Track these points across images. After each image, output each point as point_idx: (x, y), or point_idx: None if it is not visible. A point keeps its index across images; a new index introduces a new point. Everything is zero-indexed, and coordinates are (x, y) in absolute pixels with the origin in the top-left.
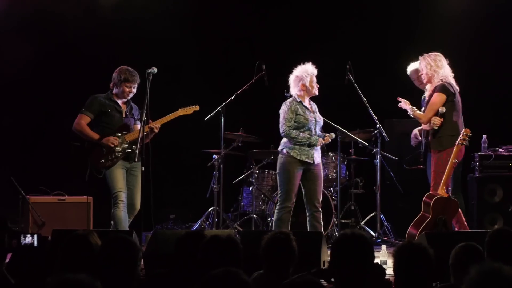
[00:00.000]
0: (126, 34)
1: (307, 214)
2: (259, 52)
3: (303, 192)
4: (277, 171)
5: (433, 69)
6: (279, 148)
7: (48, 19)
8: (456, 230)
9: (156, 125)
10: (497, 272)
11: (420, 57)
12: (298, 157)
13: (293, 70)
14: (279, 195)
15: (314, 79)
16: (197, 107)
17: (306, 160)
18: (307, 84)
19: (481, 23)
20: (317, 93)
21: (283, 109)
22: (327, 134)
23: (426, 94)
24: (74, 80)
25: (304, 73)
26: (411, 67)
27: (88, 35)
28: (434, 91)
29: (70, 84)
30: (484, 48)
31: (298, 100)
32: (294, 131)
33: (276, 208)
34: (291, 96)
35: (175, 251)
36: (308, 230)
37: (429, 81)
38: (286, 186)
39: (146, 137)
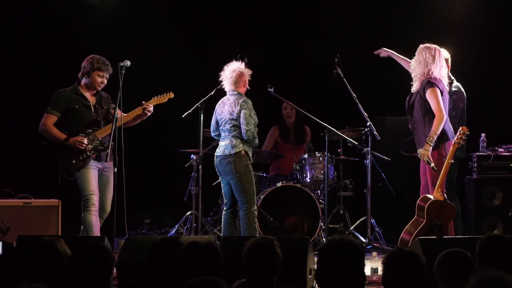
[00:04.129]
0: (94, 22)
1: (235, 215)
2: (240, 44)
3: (231, 194)
4: (239, 173)
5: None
6: (236, 150)
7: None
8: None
9: (150, 104)
10: (498, 281)
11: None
12: (252, 160)
13: (229, 65)
14: (246, 198)
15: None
16: (171, 95)
17: (253, 162)
18: (246, 84)
19: (478, 19)
20: None
21: (249, 108)
22: None
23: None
24: (38, 74)
25: (245, 71)
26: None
27: (52, 24)
28: None
29: (35, 78)
30: (483, 44)
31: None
32: (256, 132)
33: (246, 212)
34: (276, 91)
35: (149, 259)
36: (241, 232)
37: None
38: (252, 188)
39: (138, 118)
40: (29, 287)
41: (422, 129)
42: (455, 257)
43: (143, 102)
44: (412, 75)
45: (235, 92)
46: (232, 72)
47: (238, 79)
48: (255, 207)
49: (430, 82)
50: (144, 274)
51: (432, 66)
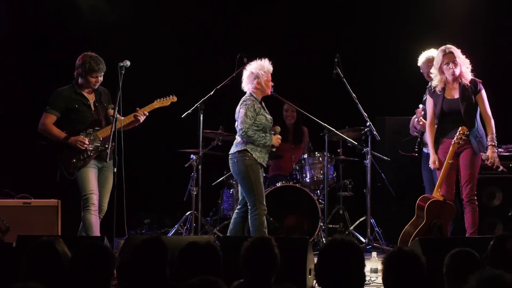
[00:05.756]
0: (94, 23)
1: (245, 215)
2: (240, 44)
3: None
4: (241, 174)
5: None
6: (239, 149)
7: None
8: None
9: (144, 111)
10: (498, 280)
11: (453, 47)
12: (258, 160)
13: (248, 65)
14: (251, 199)
15: (270, 77)
16: (174, 98)
17: (262, 163)
18: (263, 82)
19: (479, 18)
20: (269, 93)
21: (245, 106)
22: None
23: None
24: (38, 74)
25: (261, 70)
26: (423, 58)
27: (52, 24)
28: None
29: (34, 77)
30: (482, 41)
31: (259, 100)
32: (252, 130)
33: (250, 213)
34: (275, 91)
35: (132, 260)
36: (251, 233)
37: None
38: (258, 189)
39: (130, 124)
40: (24, 286)
41: (475, 131)
42: (463, 257)
43: (137, 108)
44: (441, 77)
45: (248, 93)
46: (247, 72)
47: (248, 79)
48: (263, 207)
49: (480, 84)
50: (130, 277)
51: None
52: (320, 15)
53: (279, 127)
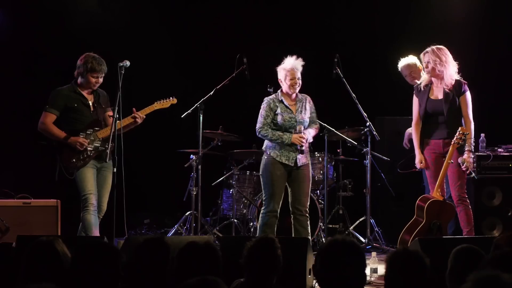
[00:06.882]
0: (94, 24)
1: (292, 218)
2: (240, 44)
3: (289, 195)
4: (260, 172)
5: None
6: (263, 148)
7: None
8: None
9: (141, 114)
10: (495, 280)
11: (428, 49)
12: (278, 159)
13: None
14: (263, 199)
15: (294, 75)
16: (174, 100)
17: (286, 162)
18: (284, 80)
19: (478, 18)
20: (290, 92)
21: (262, 106)
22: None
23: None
24: (37, 74)
25: (285, 68)
26: (402, 63)
27: (51, 24)
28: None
29: (33, 78)
30: (481, 42)
31: (280, 99)
32: (265, 129)
33: (261, 212)
34: (275, 91)
35: (133, 260)
36: (293, 235)
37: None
38: (270, 189)
39: (128, 126)
40: (38, 287)
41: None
42: (468, 254)
43: (134, 109)
44: (427, 77)
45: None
46: (279, 69)
47: (279, 76)
48: (270, 209)
49: (465, 86)
50: (130, 276)
51: (454, 66)
52: (320, 15)
53: (301, 126)
